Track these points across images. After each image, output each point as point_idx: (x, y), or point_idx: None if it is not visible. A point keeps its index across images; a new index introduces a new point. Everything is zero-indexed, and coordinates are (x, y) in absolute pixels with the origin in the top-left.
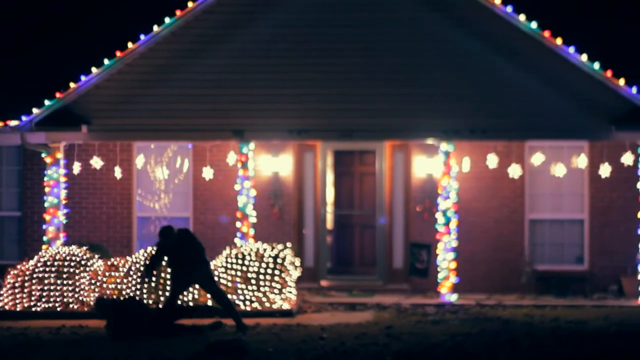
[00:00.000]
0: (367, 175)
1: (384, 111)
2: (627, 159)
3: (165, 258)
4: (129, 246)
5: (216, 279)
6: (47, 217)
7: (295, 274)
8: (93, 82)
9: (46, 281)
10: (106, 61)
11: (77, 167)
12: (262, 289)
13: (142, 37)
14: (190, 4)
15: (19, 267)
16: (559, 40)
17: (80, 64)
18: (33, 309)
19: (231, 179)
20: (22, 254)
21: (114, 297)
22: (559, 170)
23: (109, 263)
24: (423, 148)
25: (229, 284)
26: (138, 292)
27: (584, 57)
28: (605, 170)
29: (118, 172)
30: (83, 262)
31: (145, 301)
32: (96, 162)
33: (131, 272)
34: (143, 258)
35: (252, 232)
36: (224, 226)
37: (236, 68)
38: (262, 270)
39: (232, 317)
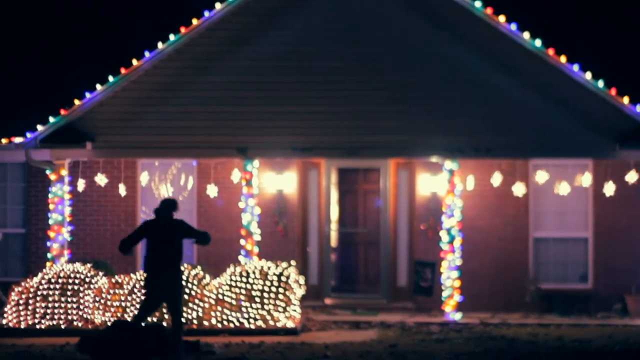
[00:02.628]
0: (371, 193)
1: (388, 129)
2: (632, 177)
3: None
4: (133, 264)
5: (220, 297)
6: (51, 234)
7: (300, 292)
8: (97, 99)
9: (50, 298)
10: (111, 78)
11: (81, 184)
12: (266, 307)
13: (147, 54)
14: (194, 22)
15: (23, 284)
16: (563, 58)
17: (84, 81)
18: (37, 326)
19: (235, 197)
20: (26, 271)
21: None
22: (563, 188)
23: (113, 280)
24: (427, 166)
25: (233, 302)
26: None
27: (588, 75)
28: (609, 189)
29: (122, 190)
30: (87, 280)
31: (149, 319)
32: (100, 179)
33: (135, 290)
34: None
35: (256, 249)
36: (228, 244)
37: (240, 85)
38: (266, 288)
39: (174, 339)
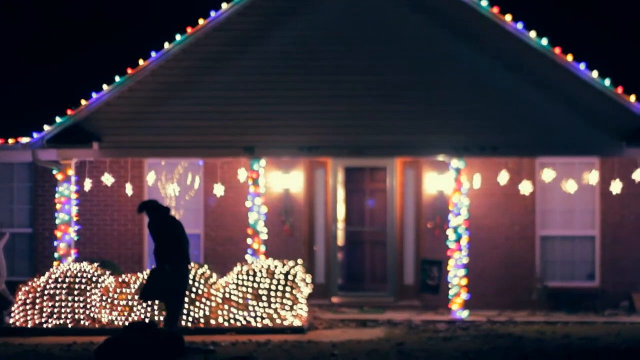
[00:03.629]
0: (378, 192)
1: (395, 128)
2: (639, 175)
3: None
4: (140, 263)
5: (227, 296)
6: (58, 233)
7: (307, 290)
8: (104, 100)
9: (57, 298)
10: (117, 78)
11: (88, 184)
12: (273, 305)
13: (153, 54)
14: (201, 22)
15: (30, 283)
16: (570, 57)
17: (91, 82)
18: (44, 326)
19: (242, 196)
20: (34, 270)
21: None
22: (570, 186)
23: (120, 280)
24: (434, 165)
25: (241, 301)
26: (149, 309)
27: (595, 74)
28: (616, 187)
29: (129, 189)
30: (94, 279)
31: (156, 318)
32: (107, 179)
33: None
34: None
35: (263, 249)
36: (235, 243)
37: (247, 85)
38: (273, 287)
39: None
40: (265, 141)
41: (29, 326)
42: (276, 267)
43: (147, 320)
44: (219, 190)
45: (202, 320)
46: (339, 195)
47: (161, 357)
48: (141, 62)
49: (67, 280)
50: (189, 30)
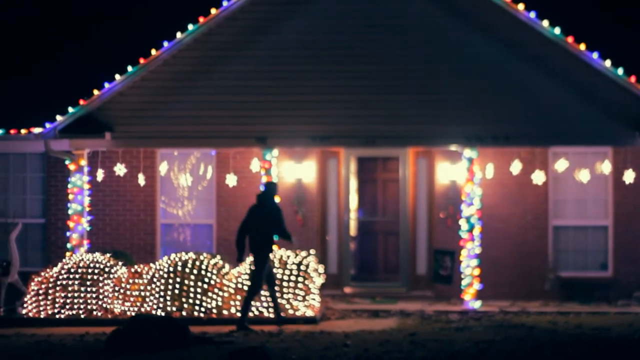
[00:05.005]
0: (391, 182)
1: (407, 117)
2: None
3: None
4: (152, 253)
5: (239, 286)
6: (70, 224)
7: (319, 280)
8: (116, 89)
9: (70, 288)
10: (129, 68)
11: (100, 174)
12: (285, 295)
13: (165, 44)
14: (213, 11)
15: (42, 274)
16: (583, 45)
17: (103, 71)
18: (57, 316)
19: (255, 186)
20: (46, 261)
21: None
22: (582, 176)
23: (132, 270)
24: (446, 154)
25: None
26: (162, 300)
27: (608, 63)
28: (629, 176)
29: (142, 179)
30: (107, 269)
31: (168, 308)
32: (120, 169)
33: (154, 279)
34: (167, 265)
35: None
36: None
37: (259, 75)
38: (285, 277)
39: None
40: (277, 131)
41: (42, 316)
42: (288, 257)
43: (159, 312)
44: (231, 180)
45: (214, 311)
46: (351, 185)
47: (163, 347)
48: (153, 51)
49: (80, 270)
50: (201, 19)
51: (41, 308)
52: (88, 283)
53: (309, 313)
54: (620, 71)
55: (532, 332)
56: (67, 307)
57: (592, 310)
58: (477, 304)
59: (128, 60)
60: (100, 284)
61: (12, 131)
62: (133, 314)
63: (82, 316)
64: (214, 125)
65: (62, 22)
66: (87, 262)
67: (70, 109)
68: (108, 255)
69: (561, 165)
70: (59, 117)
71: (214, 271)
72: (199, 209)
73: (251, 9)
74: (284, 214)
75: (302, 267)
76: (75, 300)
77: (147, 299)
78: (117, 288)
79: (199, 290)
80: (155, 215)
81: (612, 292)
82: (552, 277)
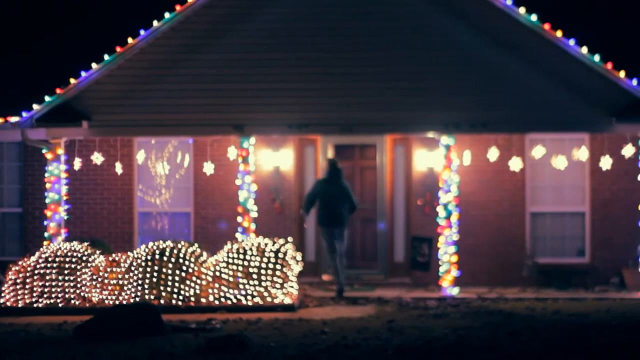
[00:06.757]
0: (368, 169)
1: (384, 105)
2: (628, 151)
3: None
4: (130, 241)
5: (217, 274)
6: (48, 213)
7: (297, 268)
8: (93, 78)
9: (48, 277)
10: (106, 57)
11: (77, 163)
12: (263, 283)
13: (142, 32)
14: None
15: (20, 263)
16: (559, 32)
17: (80, 60)
18: (35, 305)
19: (232, 174)
20: (24, 250)
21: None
22: (559, 163)
23: (110, 259)
24: (424, 141)
25: (231, 279)
26: (139, 288)
27: (585, 50)
28: (606, 163)
29: (119, 168)
30: (84, 258)
31: (146, 296)
32: (97, 158)
33: (132, 268)
34: (144, 254)
35: (253, 226)
36: (224, 221)
37: (236, 63)
38: (263, 265)
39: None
40: (254, 119)
41: (19, 305)
42: (266, 244)
43: (137, 300)
44: (208, 168)
45: (192, 299)
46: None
47: (137, 335)
48: (130, 40)
49: (57, 259)
50: (178, 7)
51: (19, 297)
52: (66, 272)
53: (287, 301)
54: (597, 58)
55: (510, 318)
56: (45, 296)
57: (570, 297)
58: (455, 291)
59: (105, 48)
60: (78, 273)
61: None
62: (111, 303)
63: (60, 305)
64: (191, 114)
65: (38, 10)
66: (65, 251)
67: (47, 98)
68: (86, 244)
69: (538, 152)
70: (35, 106)
71: (192, 259)
72: (177, 198)
73: None
74: (262, 201)
75: (280, 255)
76: (54, 289)
77: (125, 288)
78: (95, 277)
79: (176, 278)
80: (133, 203)
81: (589, 278)
82: (529, 264)
